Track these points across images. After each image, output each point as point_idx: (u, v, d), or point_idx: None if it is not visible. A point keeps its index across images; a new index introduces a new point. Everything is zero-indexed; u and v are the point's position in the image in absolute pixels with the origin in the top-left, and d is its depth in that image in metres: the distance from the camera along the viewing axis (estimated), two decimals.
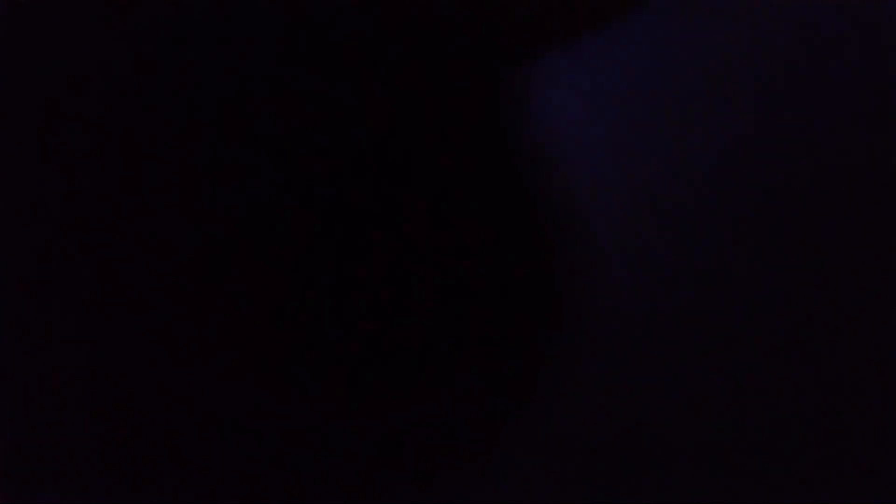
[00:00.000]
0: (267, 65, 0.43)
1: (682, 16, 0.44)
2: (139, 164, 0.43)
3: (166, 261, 0.43)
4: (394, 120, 0.43)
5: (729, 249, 0.43)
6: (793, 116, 0.44)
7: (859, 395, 0.43)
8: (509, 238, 0.43)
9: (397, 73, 0.43)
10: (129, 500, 0.43)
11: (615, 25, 0.44)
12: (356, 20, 0.43)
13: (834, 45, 0.45)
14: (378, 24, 0.43)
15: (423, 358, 0.42)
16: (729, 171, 0.44)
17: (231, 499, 0.42)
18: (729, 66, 0.44)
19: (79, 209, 0.43)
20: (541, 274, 0.43)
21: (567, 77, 0.44)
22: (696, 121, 0.44)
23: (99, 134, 0.43)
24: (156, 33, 0.44)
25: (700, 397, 0.42)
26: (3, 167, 0.44)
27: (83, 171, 0.43)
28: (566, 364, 0.42)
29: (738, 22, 0.45)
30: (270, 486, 0.42)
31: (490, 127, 0.43)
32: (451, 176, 0.43)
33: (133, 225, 0.43)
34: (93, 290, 0.43)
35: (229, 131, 0.43)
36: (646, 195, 0.43)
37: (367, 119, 0.43)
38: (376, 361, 0.42)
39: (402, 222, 0.43)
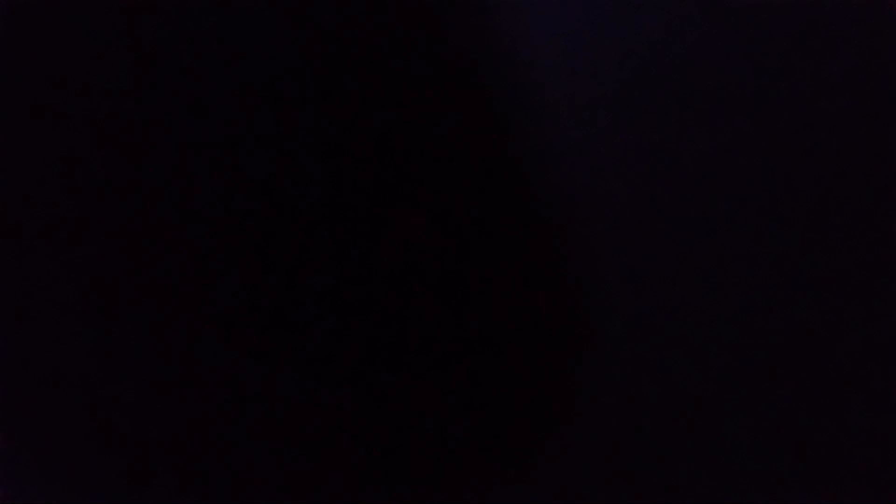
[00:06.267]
0: (264, 59, 0.43)
1: (681, 17, 0.44)
2: (136, 165, 0.43)
3: (165, 260, 0.43)
4: (393, 121, 0.43)
5: (727, 251, 0.43)
6: (792, 116, 0.44)
7: (859, 395, 0.43)
8: (513, 240, 0.43)
9: (397, 73, 0.43)
10: (129, 499, 0.43)
11: (615, 27, 0.44)
12: (357, 17, 0.43)
13: (833, 45, 0.45)
14: (378, 23, 0.43)
15: (427, 362, 0.42)
16: (728, 171, 0.44)
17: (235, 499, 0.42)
18: (728, 66, 0.44)
19: (77, 208, 0.43)
20: (544, 275, 0.43)
21: (566, 78, 0.44)
22: (694, 120, 0.44)
23: (98, 132, 0.44)
24: (155, 31, 0.44)
25: (700, 397, 0.42)
26: (4, 167, 0.44)
27: (82, 170, 0.43)
28: (568, 365, 0.42)
29: (737, 21, 0.45)
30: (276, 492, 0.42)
31: (491, 128, 0.43)
32: (452, 177, 0.43)
33: (132, 224, 0.43)
34: (90, 292, 0.43)
35: (225, 128, 0.43)
36: (645, 195, 0.43)
37: (366, 123, 0.43)
38: (375, 368, 0.42)
39: (405, 224, 0.43)
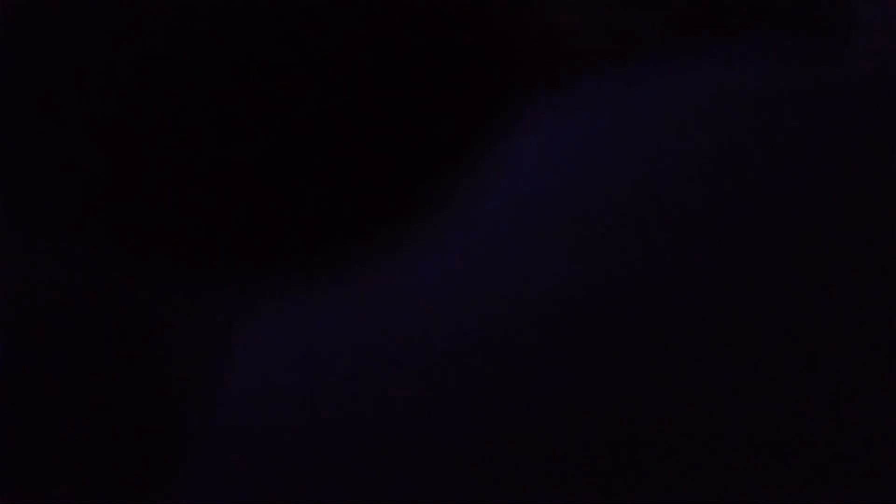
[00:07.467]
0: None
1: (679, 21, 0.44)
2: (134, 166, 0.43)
3: (162, 260, 0.43)
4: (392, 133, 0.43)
5: (727, 253, 0.43)
6: (793, 118, 0.44)
7: (859, 395, 0.43)
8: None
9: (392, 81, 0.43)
10: (130, 499, 0.43)
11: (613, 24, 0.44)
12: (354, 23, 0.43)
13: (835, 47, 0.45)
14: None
15: None
16: (726, 170, 0.44)
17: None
18: (727, 68, 0.44)
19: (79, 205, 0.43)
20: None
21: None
22: (695, 122, 0.44)
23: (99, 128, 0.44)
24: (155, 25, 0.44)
25: (699, 398, 0.42)
26: (4, 166, 0.44)
27: (83, 167, 0.43)
28: (564, 364, 0.42)
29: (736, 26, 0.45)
30: None
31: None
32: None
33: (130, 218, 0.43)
34: (88, 292, 0.43)
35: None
36: (647, 198, 0.43)
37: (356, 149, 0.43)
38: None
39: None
